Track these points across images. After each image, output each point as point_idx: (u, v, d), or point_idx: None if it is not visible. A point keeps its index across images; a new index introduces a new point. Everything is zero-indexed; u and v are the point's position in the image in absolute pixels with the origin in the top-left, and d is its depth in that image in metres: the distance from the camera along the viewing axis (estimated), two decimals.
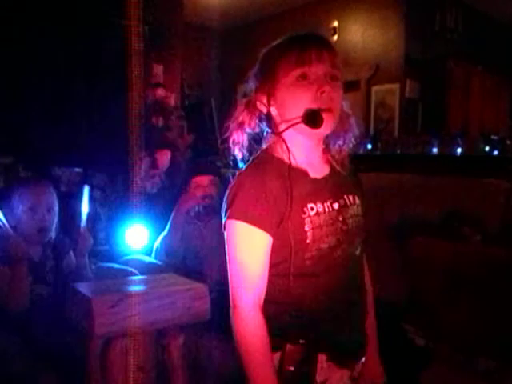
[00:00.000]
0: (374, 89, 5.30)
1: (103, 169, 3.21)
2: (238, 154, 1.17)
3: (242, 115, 1.17)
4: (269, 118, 1.15)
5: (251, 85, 1.18)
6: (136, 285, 1.75)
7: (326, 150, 1.20)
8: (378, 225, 1.25)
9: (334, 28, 5.64)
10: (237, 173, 1.14)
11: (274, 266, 1.10)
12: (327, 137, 1.18)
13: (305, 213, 1.08)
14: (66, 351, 1.82)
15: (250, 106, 1.16)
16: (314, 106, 1.07)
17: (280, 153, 1.13)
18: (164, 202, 3.07)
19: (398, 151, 2.90)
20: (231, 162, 1.19)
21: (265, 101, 1.14)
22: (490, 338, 1.87)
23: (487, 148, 2.74)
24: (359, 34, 5.48)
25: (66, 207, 2.76)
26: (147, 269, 2.50)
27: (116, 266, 2.49)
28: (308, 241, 1.07)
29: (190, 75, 4.59)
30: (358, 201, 1.20)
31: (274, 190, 1.07)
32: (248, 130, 1.16)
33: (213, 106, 3.51)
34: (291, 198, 1.07)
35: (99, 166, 3.21)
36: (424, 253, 2.20)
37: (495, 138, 2.80)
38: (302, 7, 5.92)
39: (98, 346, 1.56)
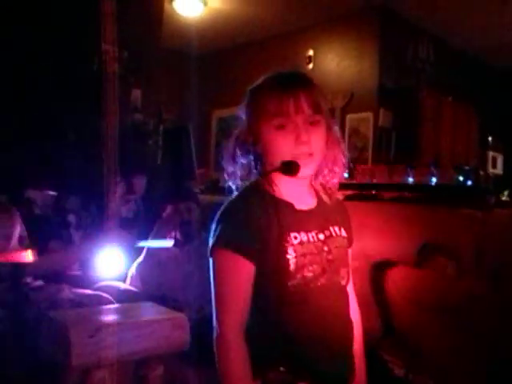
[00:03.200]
0: (348, 117, 5.39)
1: (78, 192, 3.17)
2: (232, 184, 1.20)
3: (233, 147, 1.19)
4: (255, 155, 1.18)
5: (242, 116, 1.20)
6: (114, 314, 1.72)
7: (314, 181, 1.22)
8: (354, 253, 1.27)
9: (310, 56, 5.74)
10: (224, 201, 1.16)
11: (257, 293, 1.11)
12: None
13: (288, 241, 1.10)
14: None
15: (239, 140, 1.19)
16: (293, 154, 1.11)
17: (265, 184, 1.16)
18: (139, 227, 3.04)
19: (374, 180, 2.95)
20: (227, 192, 1.21)
21: (251, 140, 1.17)
22: (469, 368, 1.89)
23: (461, 178, 2.81)
24: (334, 63, 5.59)
25: (39, 230, 2.71)
26: (122, 295, 2.46)
27: (89, 292, 2.44)
28: (291, 268, 1.09)
29: (168, 100, 4.60)
30: (343, 232, 1.22)
31: (258, 219, 1.10)
32: (240, 161, 1.19)
33: (190, 132, 3.52)
34: (274, 227, 1.09)
35: (74, 189, 3.17)
36: (399, 282, 2.21)
37: (468, 168, 2.88)
38: (279, 35, 6.04)
39: (74, 378, 1.52)
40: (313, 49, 5.69)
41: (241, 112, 1.21)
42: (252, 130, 1.16)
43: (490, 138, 6.04)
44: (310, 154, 1.12)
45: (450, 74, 5.93)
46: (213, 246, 1.11)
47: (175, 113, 5.16)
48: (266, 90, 1.15)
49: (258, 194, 1.14)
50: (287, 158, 1.11)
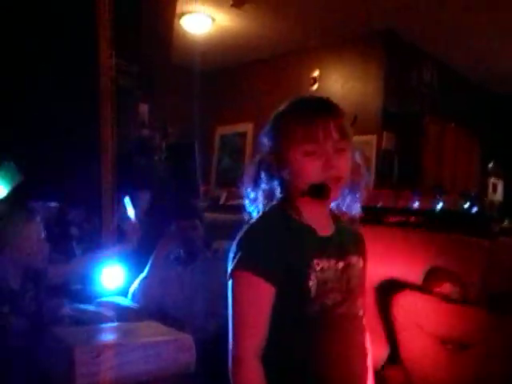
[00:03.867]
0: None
1: (81, 205, 3.15)
2: (253, 210, 1.20)
3: (256, 172, 1.19)
4: (280, 180, 1.18)
5: (264, 141, 1.20)
6: (119, 333, 1.70)
7: (335, 208, 1.22)
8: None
9: (315, 77, 5.78)
10: (246, 224, 1.16)
11: (276, 318, 1.10)
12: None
13: (310, 267, 1.10)
14: None
15: (264, 165, 1.18)
16: (321, 178, 1.11)
17: (289, 209, 1.16)
18: (143, 243, 3.01)
19: (379, 204, 2.94)
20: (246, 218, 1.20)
21: (276, 165, 1.17)
22: None
23: (466, 204, 2.81)
24: (339, 85, 5.63)
25: None
26: (123, 312, 2.43)
27: (91, 307, 2.41)
28: (312, 295, 1.09)
29: (173, 116, 4.60)
30: (361, 263, 1.22)
31: (281, 243, 1.10)
32: (263, 185, 1.18)
33: (196, 148, 3.51)
34: (298, 252, 1.10)
35: (77, 202, 3.15)
36: (406, 307, 2.19)
37: (473, 194, 2.88)
38: (285, 55, 6.07)
39: None
40: (318, 69, 5.72)
41: (264, 137, 1.20)
42: (278, 156, 1.16)
43: (490, 165, 6.05)
44: (339, 178, 1.12)
45: (453, 100, 5.97)
46: (234, 268, 1.10)
47: (180, 128, 5.16)
48: (294, 116, 1.15)
49: (281, 218, 1.15)
50: (316, 182, 1.11)
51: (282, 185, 1.18)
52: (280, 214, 1.15)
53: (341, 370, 1.11)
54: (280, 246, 1.09)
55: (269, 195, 1.19)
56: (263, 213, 1.18)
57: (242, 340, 1.08)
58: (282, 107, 1.20)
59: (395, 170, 5.17)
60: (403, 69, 5.39)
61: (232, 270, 1.11)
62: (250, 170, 1.20)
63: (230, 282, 1.11)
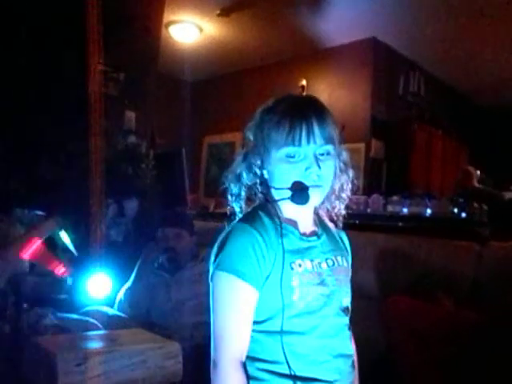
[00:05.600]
0: None
1: (67, 213, 3.10)
2: (236, 206, 1.16)
3: (239, 167, 1.16)
4: (262, 178, 1.15)
5: (249, 137, 1.17)
6: (103, 341, 1.65)
7: (320, 208, 1.19)
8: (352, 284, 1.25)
9: (303, 86, 5.78)
10: (228, 226, 1.12)
11: (259, 322, 1.08)
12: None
13: (293, 269, 1.07)
14: None
15: (246, 162, 1.15)
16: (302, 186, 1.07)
17: (271, 210, 1.13)
18: (129, 251, 2.97)
19: (369, 210, 2.93)
20: (228, 213, 1.17)
21: (258, 163, 1.14)
22: None
23: (455, 210, 2.81)
24: (327, 94, 5.64)
25: None
26: (109, 321, 2.38)
27: (76, 316, 2.36)
28: (295, 297, 1.06)
29: (160, 125, 4.58)
30: (345, 263, 1.19)
31: (264, 244, 1.06)
32: (246, 182, 1.15)
33: (183, 156, 3.49)
34: (280, 254, 1.06)
35: (62, 210, 3.10)
36: (399, 313, 2.17)
37: (462, 200, 2.88)
38: (272, 64, 6.10)
39: None
40: (306, 78, 5.73)
41: (249, 132, 1.17)
42: (260, 154, 1.13)
43: (478, 172, 6.09)
44: (318, 186, 1.09)
45: (440, 108, 6.02)
46: (215, 270, 1.06)
47: (167, 138, 5.14)
48: (278, 115, 1.10)
49: (263, 219, 1.11)
50: (295, 187, 1.07)
51: (263, 184, 1.15)
52: (261, 215, 1.12)
53: (324, 370, 1.07)
54: (262, 248, 1.05)
55: (251, 191, 1.16)
56: (245, 214, 1.14)
57: (223, 344, 1.04)
58: (267, 104, 1.16)
59: (383, 176, 5.18)
60: (390, 77, 5.42)
61: (213, 272, 1.07)
62: (234, 165, 1.17)
63: (211, 284, 1.08)
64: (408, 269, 2.34)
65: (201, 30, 5.41)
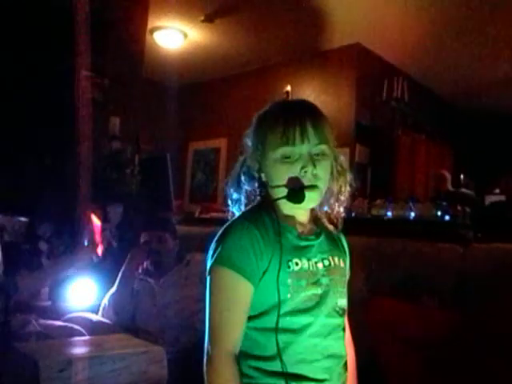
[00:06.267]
0: None
1: (50, 219, 3.07)
2: (236, 210, 1.20)
3: (238, 173, 1.20)
4: (260, 182, 1.18)
5: (247, 143, 1.20)
6: (86, 346, 1.63)
7: (319, 210, 1.21)
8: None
9: (287, 92, 5.80)
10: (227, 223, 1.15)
11: (253, 318, 1.09)
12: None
13: (289, 267, 1.09)
14: None
15: (245, 167, 1.19)
16: (297, 184, 1.10)
17: (269, 209, 1.15)
18: (114, 256, 2.95)
19: (353, 214, 2.94)
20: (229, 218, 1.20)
21: (256, 167, 1.17)
22: None
23: (439, 213, 2.83)
24: (311, 99, 5.52)
25: (8, 257, 2.60)
26: (94, 327, 2.36)
27: (59, 323, 2.33)
28: (289, 295, 1.07)
29: (145, 131, 4.56)
30: (342, 264, 1.21)
31: (262, 241, 1.09)
32: (244, 187, 1.19)
33: (168, 161, 3.47)
34: (276, 251, 1.08)
35: (46, 216, 3.07)
36: (381, 316, 2.18)
37: (445, 203, 2.91)
38: (257, 70, 6.12)
39: None
40: (290, 84, 5.75)
41: (246, 138, 1.20)
42: (257, 157, 1.15)
43: (461, 176, 6.16)
44: (314, 187, 1.11)
45: (423, 113, 6.08)
46: (212, 264, 1.09)
47: (152, 143, 5.12)
48: (273, 118, 1.13)
49: (263, 217, 1.13)
50: (291, 187, 1.10)
51: (262, 187, 1.18)
52: (260, 213, 1.14)
53: (314, 369, 1.08)
54: (260, 244, 1.08)
55: (250, 196, 1.19)
56: (243, 212, 1.17)
57: (217, 338, 1.06)
58: (263, 109, 1.19)
59: (368, 181, 5.21)
60: (374, 83, 5.47)
61: (210, 267, 1.10)
62: (233, 172, 1.21)
63: (208, 278, 1.10)
64: (392, 271, 2.35)
65: (185, 35, 5.42)
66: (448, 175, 5.23)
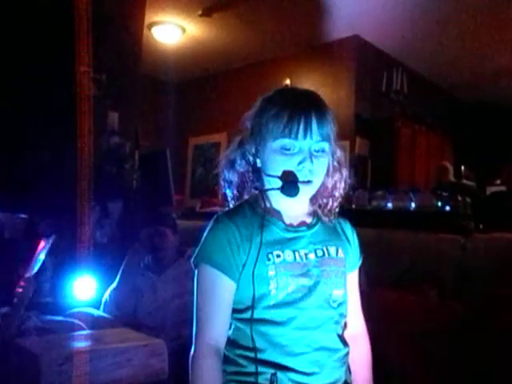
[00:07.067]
0: None
1: (50, 215, 3.07)
2: (228, 192, 1.17)
3: (233, 153, 1.16)
4: (255, 167, 1.15)
5: (246, 124, 1.16)
6: (87, 340, 1.63)
7: (313, 201, 1.18)
8: None
9: (287, 85, 5.79)
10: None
11: (238, 310, 1.09)
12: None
13: (269, 259, 1.07)
14: None
15: (241, 147, 1.16)
16: (292, 179, 1.07)
17: (259, 200, 1.13)
18: (114, 252, 2.95)
19: (354, 206, 2.94)
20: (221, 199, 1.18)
21: (253, 151, 1.14)
22: None
23: (439, 203, 2.82)
24: None
25: (8, 254, 2.60)
26: (95, 322, 2.35)
27: (60, 318, 2.33)
28: (271, 288, 1.06)
29: (144, 126, 4.56)
30: (340, 254, 1.17)
31: (238, 236, 1.08)
32: (239, 168, 1.16)
33: (168, 156, 3.47)
34: (256, 244, 1.07)
35: (46, 213, 3.07)
36: (383, 306, 2.17)
37: (446, 194, 2.90)
38: (256, 64, 6.10)
39: None
40: (289, 77, 5.74)
41: (247, 119, 1.16)
42: (256, 142, 1.13)
43: (462, 168, 6.15)
44: (309, 182, 1.09)
45: (423, 105, 6.06)
46: (194, 259, 1.10)
47: (152, 139, 5.12)
48: (278, 106, 1.10)
49: (246, 212, 1.12)
50: (285, 179, 1.08)
51: (255, 173, 1.15)
52: (247, 206, 1.13)
53: (301, 361, 1.06)
54: (235, 240, 1.07)
55: (243, 179, 1.16)
56: (230, 208, 1.16)
57: (199, 331, 1.06)
58: (269, 93, 1.15)
59: (369, 173, 5.20)
60: (373, 75, 5.45)
61: (193, 262, 1.10)
62: (228, 151, 1.18)
63: (195, 273, 1.11)
64: (393, 262, 2.34)
65: (183, 30, 5.40)
66: (450, 166, 5.22)
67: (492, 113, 6.68)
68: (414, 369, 2.00)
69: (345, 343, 1.15)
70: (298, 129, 1.06)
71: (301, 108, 1.08)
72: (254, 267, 1.06)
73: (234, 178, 1.16)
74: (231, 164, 1.16)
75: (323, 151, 1.10)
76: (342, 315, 1.16)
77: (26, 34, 2.99)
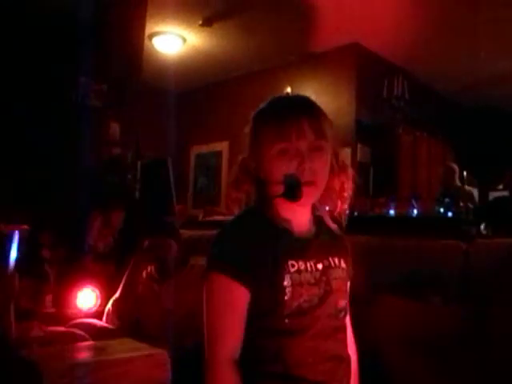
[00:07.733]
0: None
1: (53, 226, 3.07)
2: (235, 210, 1.18)
3: (237, 174, 1.19)
4: (258, 180, 1.16)
5: (245, 141, 1.19)
6: (89, 351, 1.63)
7: (320, 208, 1.19)
8: None
9: (287, 93, 5.80)
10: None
11: (252, 321, 1.08)
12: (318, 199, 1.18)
13: (285, 269, 1.07)
14: None
15: (243, 165, 1.18)
16: (294, 181, 1.08)
17: (265, 210, 1.14)
18: (117, 262, 2.94)
19: (356, 213, 2.93)
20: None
21: (253, 165, 1.16)
22: None
23: (441, 210, 2.82)
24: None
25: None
26: (98, 333, 2.35)
27: (62, 329, 2.33)
28: (286, 298, 1.05)
29: (146, 136, 4.57)
30: (343, 264, 1.18)
31: (254, 244, 1.07)
32: (243, 185, 1.18)
33: (169, 166, 3.47)
34: (271, 253, 1.06)
35: (48, 223, 3.07)
36: (386, 316, 2.16)
37: (448, 200, 2.90)
38: (257, 72, 6.12)
39: None
40: (290, 85, 5.75)
41: (245, 136, 1.19)
42: (255, 156, 1.14)
43: (464, 173, 6.14)
44: (312, 183, 1.09)
45: (424, 111, 6.06)
46: (207, 270, 1.08)
47: (153, 149, 5.12)
48: (268, 115, 1.12)
49: (256, 219, 1.12)
50: (288, 183, 1.08)
51: (260, 185, 1.16)
52: (255, 215, 1.13)
53: (314, 371, 1.06)
54: (253, 248, 1.06)
55: (250, 196, 1.17)
56: (238, 215, 1.16)
57: (215, 344, 1.05)
58: (260, 106, 1.18)
59: (371, 180, 5.20)
60: (374, 82, 5.46)
61: (205, 272, 1.08)
62: (232, 171, 1.21)
63: (204, 284, 1.09)
64: (396, 269, 2.33)
65: (184, 40, 5.43)
66: (456, 168, 5.18)
67: (493, 118, 6.69)
68: (417, 375, 1.99)
69: (348, 352, 1.17)
70: (290, 130, 1.07)
71: (290, 110, 1.10)
72: (272, 277, 1.05)
73: (241, 197, 1.17)
74: (237, 184, 1.18)
75: (321, 149, 1.10)
76: (345, 324, 1.17)
77: (26, 45, 3.01)
